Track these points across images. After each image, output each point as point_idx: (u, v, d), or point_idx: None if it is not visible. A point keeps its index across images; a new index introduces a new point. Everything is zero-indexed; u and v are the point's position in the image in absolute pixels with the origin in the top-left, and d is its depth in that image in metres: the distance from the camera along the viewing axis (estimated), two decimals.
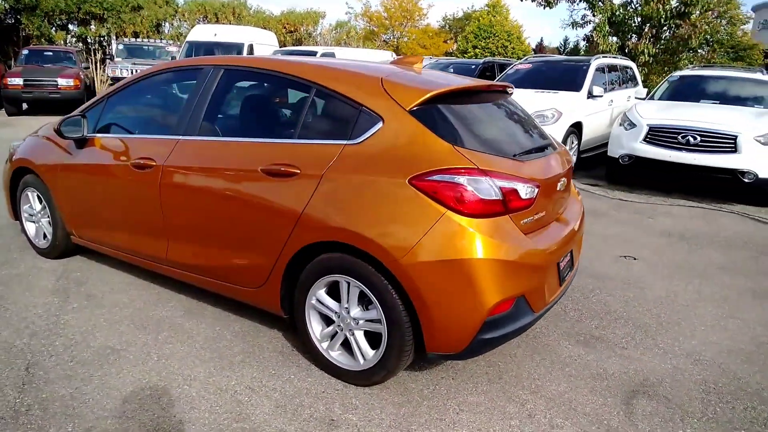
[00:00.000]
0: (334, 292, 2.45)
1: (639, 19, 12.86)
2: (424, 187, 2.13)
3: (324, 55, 13.02)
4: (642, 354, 2.88)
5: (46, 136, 3.69)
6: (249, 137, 2.71)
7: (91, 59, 15.29)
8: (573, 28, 14.20)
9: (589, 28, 14.51)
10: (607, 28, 12.83)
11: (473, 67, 10.66)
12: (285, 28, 24.99)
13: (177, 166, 2.84)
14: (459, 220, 2.09)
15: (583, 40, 15.35)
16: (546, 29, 72.20)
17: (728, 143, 6.31)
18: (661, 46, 12.85)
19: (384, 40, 31.84)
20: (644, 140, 6.86)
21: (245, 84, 3.02)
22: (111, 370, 2.52)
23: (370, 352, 2.38)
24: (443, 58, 17.96)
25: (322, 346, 2.52)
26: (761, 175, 6.22)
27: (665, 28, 12.71)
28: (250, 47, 13.56)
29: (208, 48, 13.27)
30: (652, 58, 12.61)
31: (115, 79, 13.43)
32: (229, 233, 2.68)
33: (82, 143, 3.35)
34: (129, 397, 2.32)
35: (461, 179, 2.11)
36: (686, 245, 4.90)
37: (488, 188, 2.12)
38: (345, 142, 2.36)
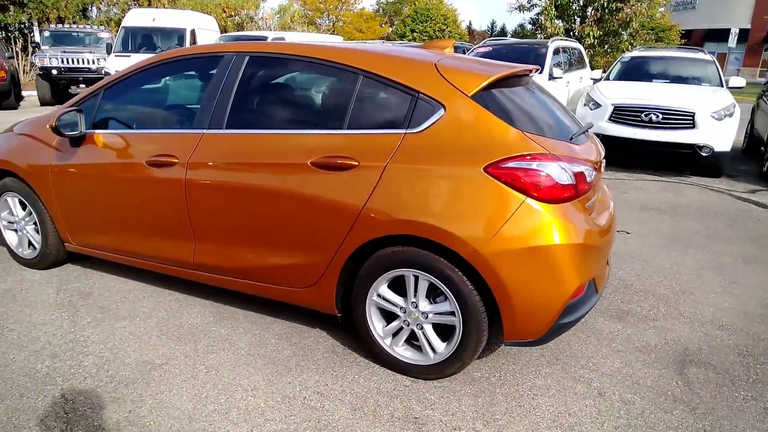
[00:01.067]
0: (395, 286, 2.38)
1: (581, 2, 13.38)
2: (500, 175, 2.10)
3: (274, 39, 12.60)
4: (672, 324, 3.03)
5: (28, 134, 3.32)
6: (289, 129, 2.55)
7: (12, 48, 13.94)
8: (520, 11, 14.58)
9: (535, 11, 14.93)
10: (554, 11, 13.26)
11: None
12: (225, 12, 23.84)
13: (205, 162, 2.63)
14: (539, 207, 2.08)
15: (529, 23, 15.81)
16: (474, 13, 73.54)
17: (687, 120, 6.72)
18: (604, 29, 13.46)
19: (319, 24, 31.17)
20: (609, 119, 7.16)
21: (276, 72, 2.82)
22: (161, 388, 2.33)
23: (440, 345, 2.34)
24: (397, 42, 17.88)
25: (386, 343, 2.45)
26: (717, 149, 6.68)
27: (607, 11, 13.30)
28: (193, 33, 12.87)
29: (146, 34, 12.46)
30: (596, 40, 13.19)
31: (45, 69, 12.34)
32: (273, 232, 2.53)
33: (78, 141, 3.04)
34: (194, 416, 2.15)
35: (538, 165, 2.09)
36: (667, 217, 5.18)
37: (563, 173, 2.12)
38: (404, 131, 2.27)
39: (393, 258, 2.30)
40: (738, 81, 7.85)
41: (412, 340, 2.44)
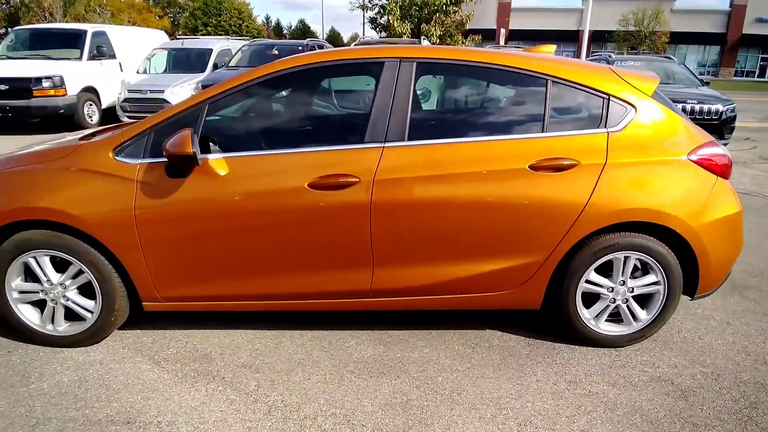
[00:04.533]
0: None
1: (419, 4, 14.55)
2: (698, 161, 2.53)
3: (95, 33, 10.69)
4: None
5: (76, 167, 2.47)
6: (489, 136, 2.51)
7: None
8: (364, 10, 15.10)
9: (376, 10, 15.63)
10: (399, 12, 14.16)
11: (300, 48, 10.41)
12: None
13: (395, 178, 2.43)
14: (724, 183, 2.59)
15: (370, 22, 16.42)
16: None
17: None
18: (442, 30, 14.93)
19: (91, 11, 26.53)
20: None
21: (452, 78, 2.70)
22: (442, 422, 2.15)
23: (642, 313, 2.68)
24: (261, 39, 16.59)
25: (592, 324, 2.69)
26: None
27: (445, 14, 14.75)
28: None
29: None
30: (438, 40, 14.59)
31: None
32: (481, 241, 2.51)
33: (182, 170, 2.42)
34: None
35: (719, 149, 2.60)
36: None
37: (729, 154, 2.67)
38: (605, 130, 2.52)
39: (608, 244, 2.54)
40: None
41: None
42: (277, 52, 10.29)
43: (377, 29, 16.20)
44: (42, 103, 9.23)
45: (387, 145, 2.47)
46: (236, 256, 2.52)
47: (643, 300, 2.70)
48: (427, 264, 2.55)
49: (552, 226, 2.49)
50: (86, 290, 2.61)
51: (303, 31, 46.24)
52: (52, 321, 2.64)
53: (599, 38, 35.15)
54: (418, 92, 2.84)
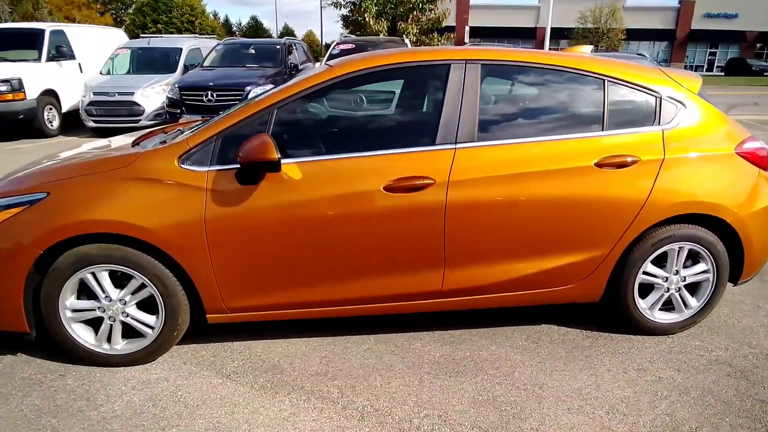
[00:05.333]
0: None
1: (393, 2, 14.50)
2: (744, 155, 2.68)
3: (54, 32, 10.14)
4: None
5: (148, 177, 2.35)
6: (553, 135, 2.56)
7: None
8: (337, 8, 14.93)
9: (349, 8, 15.47)
10: (374, 9, 14.07)
11: (278, 47, 10.20)
12: None
13: (468, 178, 2.45)
14: (765, 174, 2.76)
15: (342, 20, 16.19)
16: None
17: None
18: (420, 27, 14.95)
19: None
20: None
21: (515, 79, 2.72)
22: (543, 416, 2.20)
23: (693, 301, 2.82)
24: (232, 38, 16.02)
25: (648, 313, 2.80)
26: None
27: (421, 12, 14.77)
28: None
29: None
30: (415, 37, 14.62)
31: None
32: (548, 238, 2.56)
33: (254, 177, 2.35)
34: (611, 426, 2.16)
35: (760, 143, 2.76)
36: None
37: (767, 147, 2.84)
38: (660, 127, 2.63)
39: (665, 236, 2.65)
40: None
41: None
42: (253, 51, 10.06)
43: (349, 27, 16.05)
44: (0, 109, 8.67)
45: (458, 146, 2.48)
46: (309, 262, 2.47)
47: (693, 288, 2.84)
48: (497, 262, 2.59)
49: (616, 220, 2.58)
50: (145, 305, 2.50)
51: (255, 28, 45.00)
52: (108, 340, 2.50)
53: (557, 35, 36.27)
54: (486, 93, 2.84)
